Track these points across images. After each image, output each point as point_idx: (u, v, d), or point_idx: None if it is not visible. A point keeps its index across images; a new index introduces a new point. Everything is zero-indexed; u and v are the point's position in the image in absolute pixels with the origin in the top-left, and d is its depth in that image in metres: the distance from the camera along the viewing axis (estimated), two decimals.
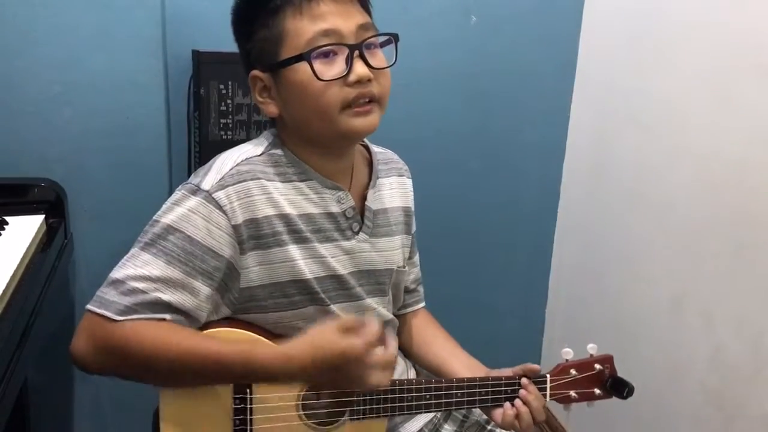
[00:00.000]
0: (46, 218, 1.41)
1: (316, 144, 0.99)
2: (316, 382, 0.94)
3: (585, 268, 1.98)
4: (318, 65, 0.91)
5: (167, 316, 0.90)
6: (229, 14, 1.00)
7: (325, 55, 0.91)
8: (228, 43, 1.56)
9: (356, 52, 0.92)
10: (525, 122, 1.97)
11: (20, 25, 1.45)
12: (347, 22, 0.92)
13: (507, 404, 1.05)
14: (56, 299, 1.43)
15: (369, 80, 0.92)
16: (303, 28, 0.91)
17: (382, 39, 0.97)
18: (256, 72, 0.97)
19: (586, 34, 1.92)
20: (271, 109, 0.98)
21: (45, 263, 1.29)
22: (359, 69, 0.92)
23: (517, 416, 1.04)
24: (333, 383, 0.93)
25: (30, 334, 1.10)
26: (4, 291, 1.06)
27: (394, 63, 0.97)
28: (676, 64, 1.56)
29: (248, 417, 0.96)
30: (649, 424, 1.66)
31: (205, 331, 0.95)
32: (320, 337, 0.88)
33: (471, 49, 1.87)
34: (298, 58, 0.91)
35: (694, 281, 1.51)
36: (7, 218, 1.35)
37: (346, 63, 0.91)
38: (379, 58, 0.96)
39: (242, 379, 0.93)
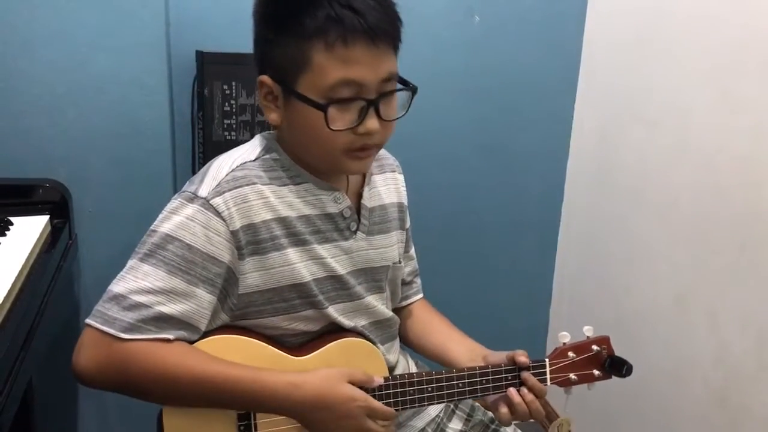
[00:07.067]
0: (50, 219, 1.41)
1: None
2: (311, 419, 0.94)
3: (589, 267, 1.97)
4: (332, 111, 0.89)
5: (170, 336, 0.90)
6: (248, 10, 0.94)
7: (341, 102, 0.90)
8: (231, 44, 1.58)
9: (371, 107, 0.91)
10: (529, 121, 1.97)
11: (24, 26, 1.45)
12: (374, 73, 0.89)
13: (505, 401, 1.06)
14: (61, 300, 1.44)
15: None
16: (329, 70, 0.87)
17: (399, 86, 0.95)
18: (266, 79, 0.93)
19: (589, 33, 1.92)
20: (274, 116, 0.96)
21: (50, 264, 1.29)
22: (370, 124, 0.90)
23: (510, 406, 1.05)
24: (324, 425, 0.94)
25: (35, 334, 1.10)
26: (10, 291, 1.06)
27: (404, 114, 0.96)
28: (680, 62, 1.56)
29: (252, 422, 0.96)
30: (652, 422, 1.66)
31: (207, 339, 0.96)
32: (331, 378, 0.94)
33: (474, 48, 1.87)
34: (315, 104, 0.89)
35: (698, 280, 1.51)
36: (12, 219, 1.36)
37: (359, 114, 0.90)
38: (392, 107, 0.94)
39: (249, 401, 0.93)
